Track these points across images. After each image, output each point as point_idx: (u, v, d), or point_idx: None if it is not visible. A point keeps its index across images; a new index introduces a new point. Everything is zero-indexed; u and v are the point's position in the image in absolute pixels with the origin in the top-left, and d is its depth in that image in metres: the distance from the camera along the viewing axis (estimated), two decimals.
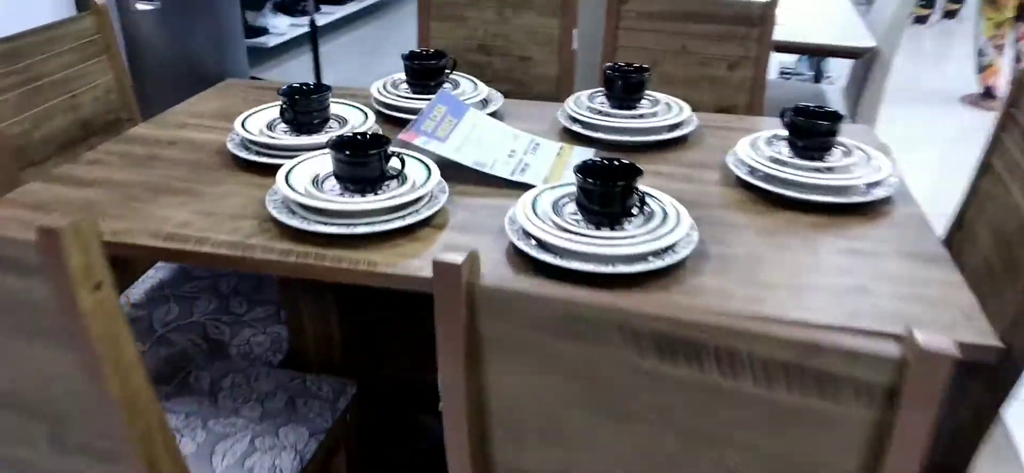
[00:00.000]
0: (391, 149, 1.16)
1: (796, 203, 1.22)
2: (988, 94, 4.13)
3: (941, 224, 1.28)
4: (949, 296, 0.98)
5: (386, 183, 1.16)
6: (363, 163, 1.13)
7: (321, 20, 4.55)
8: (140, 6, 3.04)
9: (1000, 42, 4.02)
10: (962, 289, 1.00)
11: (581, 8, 1.96)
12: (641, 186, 1.07)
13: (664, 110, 1.50)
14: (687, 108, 1.51)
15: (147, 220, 1.16)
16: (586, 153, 1.40)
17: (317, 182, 1.17)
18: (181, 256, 1.10)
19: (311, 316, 1.43)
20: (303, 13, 4.35)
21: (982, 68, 4.13)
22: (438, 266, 0.65)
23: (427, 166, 1.22)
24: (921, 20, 5.74)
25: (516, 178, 1.27)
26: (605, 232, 1.04)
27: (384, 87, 1.59)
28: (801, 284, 1.01)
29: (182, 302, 1.50)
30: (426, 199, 1.15)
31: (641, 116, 1.46)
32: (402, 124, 1.41)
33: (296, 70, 4.33)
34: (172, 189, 1.26)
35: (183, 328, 1.43)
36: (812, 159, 1.28)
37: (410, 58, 1.56)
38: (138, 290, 1.54)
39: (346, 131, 1.36)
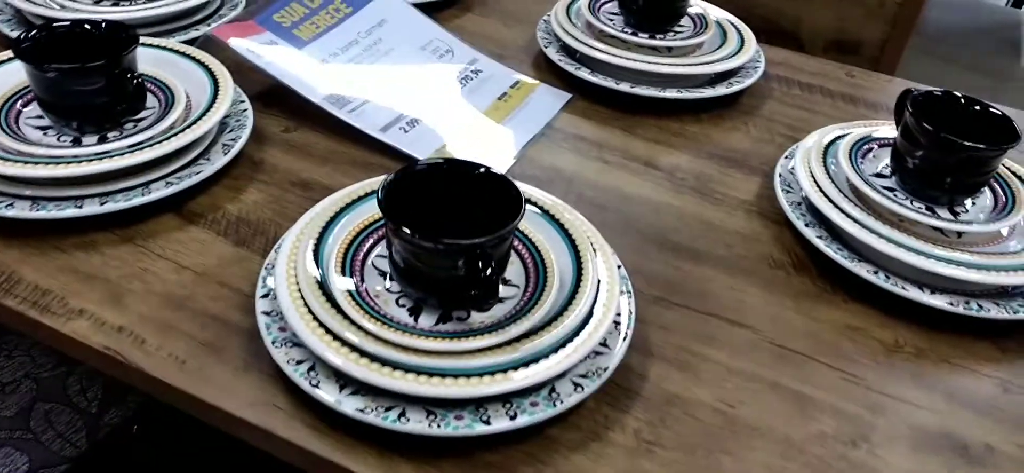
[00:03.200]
0: (133, 64, 0.64)
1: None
2: None
3: None
4: None
5: (128, 119, 0.66)
6: (77, 79, 0.62)
7: None
8: None
9: None
10: None
11: None
12: None
13: (711, 42, 0.90)
14: (751, 40, 0.90)
15: None
16: (551, 101, 0.84)
17: (7, 122, 0.65)
18: None
19: None
20: None
21: None
22: None
23: (212, 75, 0.71)
24: None
25: (391, 139, 0.73)
26: None
27: None
28: None
29: None
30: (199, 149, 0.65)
31: (669, 50, 0.87)
32: None
33: None
34: None
35: None
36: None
37: None
38: None
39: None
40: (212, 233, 0.62)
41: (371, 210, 0.57)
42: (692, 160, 0.77)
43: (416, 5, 0.93)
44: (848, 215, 0.63)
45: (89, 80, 0.62)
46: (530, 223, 0.57)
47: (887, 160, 0.70)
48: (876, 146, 0.72)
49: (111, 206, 0.59)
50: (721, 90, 0.84)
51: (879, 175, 0.69)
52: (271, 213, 0.65)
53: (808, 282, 0.63)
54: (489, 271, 0.46)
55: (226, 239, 0.62)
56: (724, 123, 0.84)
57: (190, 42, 0.78)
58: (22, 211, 0.58)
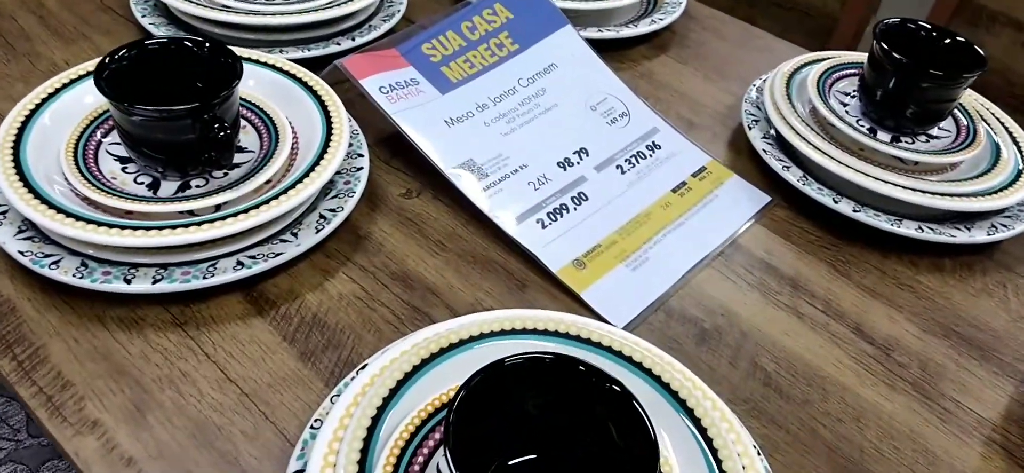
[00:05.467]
0: (227, 111, 0.52)
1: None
2: None
3: None
4: None
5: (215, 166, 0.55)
6: (159, 122, 0.52)
7: None
8: None
9: None
10: None
11: None
12: None
13: (976, 160, 0.67)
14: None
15: None
16: (743, 203, 0.65)
17: (84, 150, 0.55)
18: None
19: None
20: None
21: None
22: None
23: (328, 118, 0.58)
24: None
25: (523, 237, 0.58)
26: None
27: None
28: None
29: None
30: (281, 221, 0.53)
31: (915, 165, 0.65)
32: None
33: None
34: None
35: None
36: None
37: None
38: None
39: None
40: (277, 335, 0.50)
41: (452, 380, 0.42)
42: (920, 335, 0.56)
43: (601, 41, 0.77)
44: None
45: (174, 123, 0.51)
46: (665, 430, 0.41)
47: None
48: None
49: (164, 286, 0.49)
50: (978, 235, 0.62)
51: None
52: (354, 317, 0.52)
53: None
54: None
55: (291, 347, 0.50)
56: (973, 280, 0.62)
57: (328, 59, 0.67)
58: (65, 274, 0.49)
